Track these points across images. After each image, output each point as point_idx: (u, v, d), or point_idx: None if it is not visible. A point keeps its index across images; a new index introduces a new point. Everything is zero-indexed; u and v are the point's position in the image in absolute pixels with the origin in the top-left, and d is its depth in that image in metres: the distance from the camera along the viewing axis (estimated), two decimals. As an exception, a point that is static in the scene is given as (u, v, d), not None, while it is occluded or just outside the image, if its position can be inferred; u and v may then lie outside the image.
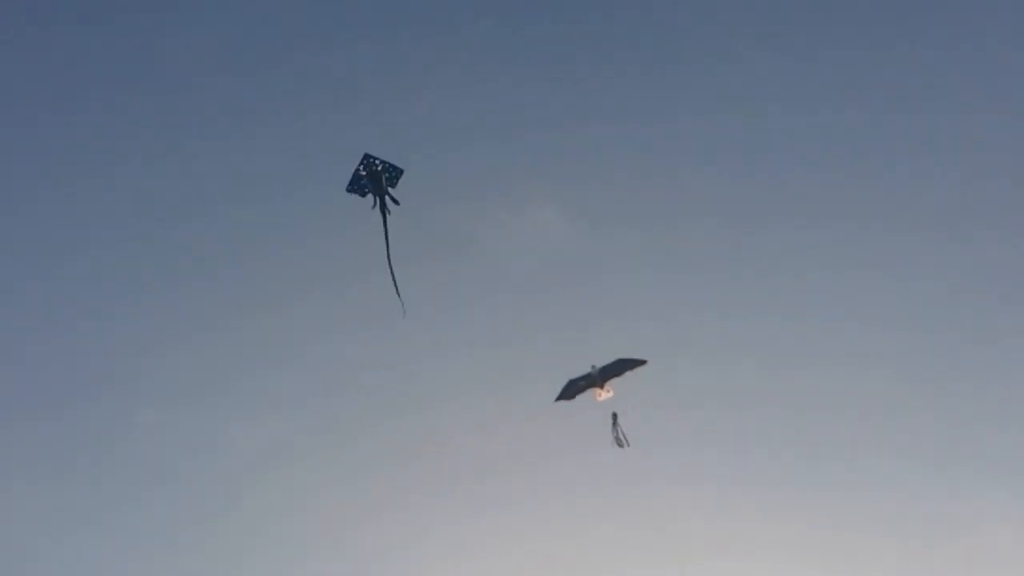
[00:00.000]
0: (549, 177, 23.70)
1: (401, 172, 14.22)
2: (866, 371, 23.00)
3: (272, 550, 21.58)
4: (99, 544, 21.41)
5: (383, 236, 14.02)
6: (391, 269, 14.01)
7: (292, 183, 23.40)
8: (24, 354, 22.71)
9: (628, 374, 16.31)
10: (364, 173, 14.15)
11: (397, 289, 13.99)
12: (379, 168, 14.15)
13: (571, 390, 16.46)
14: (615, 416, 16.43)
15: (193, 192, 23.65)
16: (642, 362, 16.24)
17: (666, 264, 23.40)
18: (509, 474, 22.03)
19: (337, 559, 21.62)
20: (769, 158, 24.42)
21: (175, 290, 23.14)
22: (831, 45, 24.73)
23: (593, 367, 16.32)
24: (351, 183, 14.24)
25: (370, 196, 14.14)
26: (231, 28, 24.56)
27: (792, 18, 25.09)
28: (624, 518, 21.41)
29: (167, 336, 22.78)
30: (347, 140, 23.99)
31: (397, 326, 19.56)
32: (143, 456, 22.08)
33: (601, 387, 16.41)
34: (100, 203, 23.71)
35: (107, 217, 23.73)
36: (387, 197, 14.12)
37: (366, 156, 14.16)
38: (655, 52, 24.85)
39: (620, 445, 16.31)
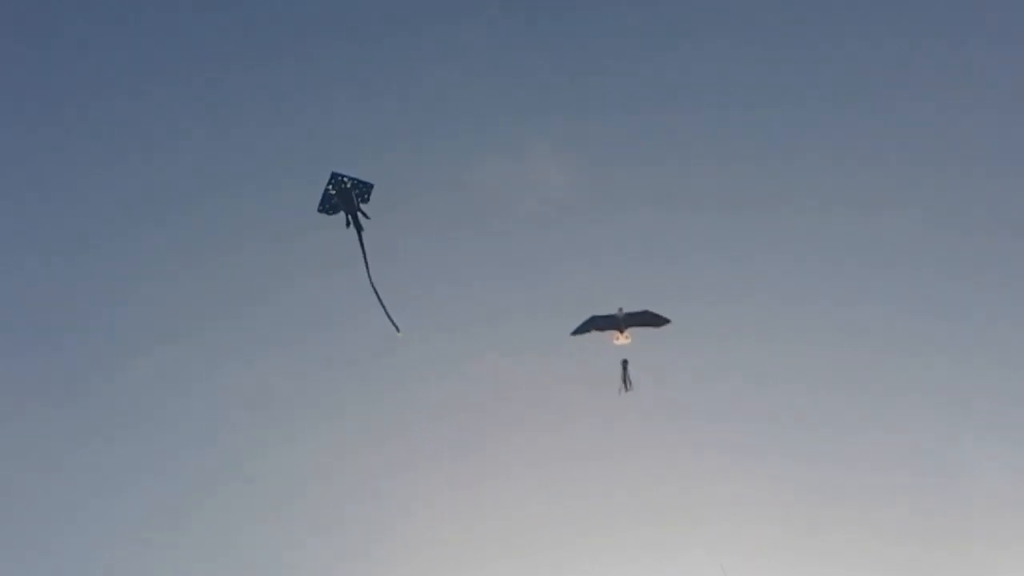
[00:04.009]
0: (546, 119, 23.16)
1: (371, 187, 13.98)
2: (877, 305, 22.97)
3: (265, 491, 21.94)
4: (90, 486, 21.66)
5: (361, 256, 13.90)
6: (374, 289, 13.92)
7: (285, 128, 22.93)
8: (13, 299, 22.59)
9: (650, 329, 16.26)
10: (333, 192, 13.97)
11: (386, 310, 13.93)
12: (348, 185, 13.94)
13: (590, 326, 16.39)
14: (625, 363, 16.54)
15: (183, 140, 23.11)
16: (666, 321, 16.20)
17: (667, 206, 23.04)
18: (499, 412, 22.38)
19: (330, 498, 22.09)
20: (776, 92, 23.63)
21: (165, 231, 22.83)
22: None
23: (620, 310, 16.25)
24: (322, 203, 14.04)
25: (342, 214, 13.99)
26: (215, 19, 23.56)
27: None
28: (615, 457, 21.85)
29: (159, 274, 22.65)
30: (351, 67, 23.58)
31: (396, 270, 19.73)
32: (134, 396, 22.30)
33: (621, 332, 16.42)
34: (93, 149, 23.11)
35: (103, 160, 23.17)
36: (359, 213, 14.00)
37: (334, 175, 13.95)
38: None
39: (626, 390, 16.49)
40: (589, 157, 22.75)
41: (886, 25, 23.22)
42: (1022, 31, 22.87)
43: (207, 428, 22.12)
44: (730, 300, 21.97)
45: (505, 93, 23.23)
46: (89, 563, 21.03)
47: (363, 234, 14.04)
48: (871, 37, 23.30)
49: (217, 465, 22.06)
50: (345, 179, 14.01)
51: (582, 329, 16.41)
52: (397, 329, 14.14)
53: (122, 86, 23.34)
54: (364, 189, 14.06)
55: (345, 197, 14.00)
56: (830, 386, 21.87)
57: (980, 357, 21.90)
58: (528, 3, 23.81)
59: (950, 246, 22.41)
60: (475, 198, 22.45)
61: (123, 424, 22.05)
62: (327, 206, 14.09)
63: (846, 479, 21.38)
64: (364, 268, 13.99)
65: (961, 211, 22.50)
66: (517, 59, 23.58)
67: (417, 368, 21.85)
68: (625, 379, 16.51)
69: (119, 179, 23.01)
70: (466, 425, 21.97)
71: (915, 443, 21.55)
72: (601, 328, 16.37)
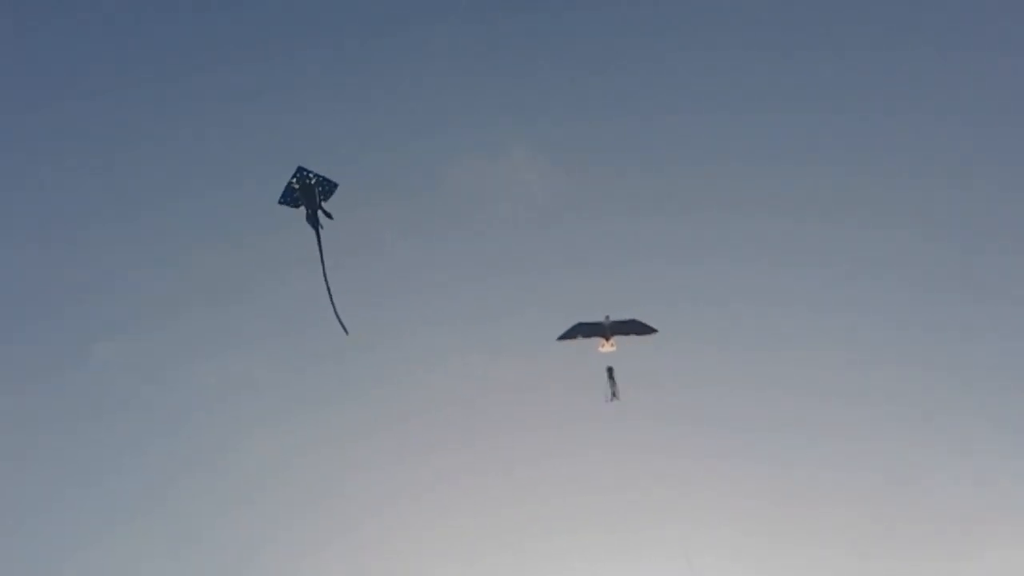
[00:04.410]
0: (525, 121, 23.10)
1: (335, 187, 13.85)
2: (854, 315, 22.71)
3: (230, 483, 21.80)
4: (53, 477, 21.48)
5: (318, 252, 13.77)
6: (328, 288, 13.79)
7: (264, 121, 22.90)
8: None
9: (635, 337, 16.47)
10: (297, 186, 13.81)
11: (336, 310, 13.82)
12: (312, 182, 13.81)
13: (576, 332, 16.50)
14: (610, 370, 16.62)
15: (155, 133, 23.10)
16: (653, 330, 16.39)
17: (644, 208, 22.93)
18: (474, 412, 22.24)
19: (298, 490, 21.96)
20: (759, 96, 23.41)
21: (136, 221, 22.79)
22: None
23: (606, 318, 16.39)
24: (283, 195, 13.91)
25: (303, 209, 13.84)
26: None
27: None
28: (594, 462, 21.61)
29: (126, 267, 22.59)
30: (330, 68, 23.69)
31: (370, 265, 19.28)
32: (99, 389, 22.15)
33: (607, 339, 16.52)
34: (74, 143, 23.21)
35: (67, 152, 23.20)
36: (320, 211, 13.84)
37: (299, 169, 13.82)
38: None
39: (612, 398, 16.62)
40: (568, 159, 22.82)
41: (878, 34, 23.15)
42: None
43: (186, 418, 22.01)
44: (706, 304, 21.84)
45: (484, 95, 23.38)
46: (64, 552, 20.93)
47: (321, 231, 13.87)
48: (860, 45, 23.21)
49: (195, 455, 22.00)
50: (310, 175, 13.86)
51: (568, 335, 16.49)
52: (345, 331, 14.03)
53: (97, 85, 23.45)
54: (328, 187, 13.90)
55: (308, 192, 13.85)
56: (802, 393, 21.71)
57: (949, 373, 21.80)
58: (507, 8, 23.85)
59: (933, 260, 22.32)
60: (453, 198, 22.49)
61: (98, 414, 22.00)
62: (288, 199, 13.95)
63: (813, 484, 21.30)
64: (320, 264, 13.87)
65: (949, 224, 22.39)
66: (496, 62, 23.72)
67: (396, 365, 21.90)
68: (612, 388, 16.59)
69: (105, 172, 23.16)
70: (440, 424, 21.82)
71: (882, 451, 21.35)
72: (587, 335, 16.47)
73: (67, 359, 22.06)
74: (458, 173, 22.74)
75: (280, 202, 13.93)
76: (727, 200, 22.41)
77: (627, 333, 16.44)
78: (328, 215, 13.94)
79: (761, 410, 21.64)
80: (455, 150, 22.84)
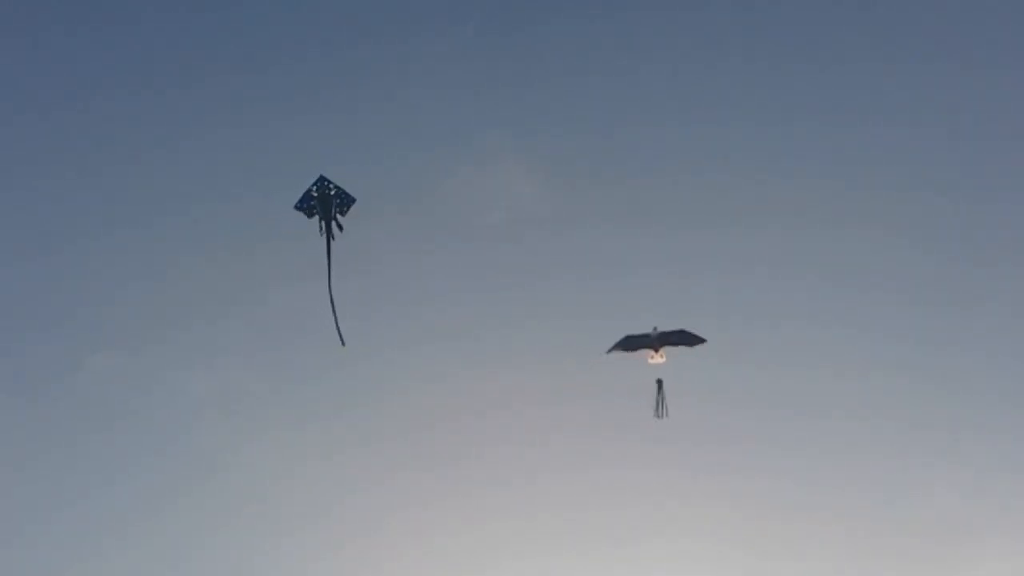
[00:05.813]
0: (515, 132, 23.06)
1: (353, 201, 13.92)
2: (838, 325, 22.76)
3: (225, 495, 21.66)
4: (45, 490, 21.43)
5: (326, 262, 13.87)
6: (332, 300, 13.91)
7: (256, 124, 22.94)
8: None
9: (684, 348, 16.13)
10: (315, 194, 13.90)
11: (337, 321, 13.94)
12: (332, 192, 13.89)
13: (626, 344, 16.22)
14: (660, 383, 16.36)
15: (148, 143, 23.12)
16: (702, 340, 16.10)
17: (640, 218, 22.99)
18: (463, 425, 22.27)
19: (291, 504, 21.92)
20: (750, 105, 23.35)
21: (130, 231, 22.72)
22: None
23: (655, 329, 16.12)
24: (300, 201, 13.97)
25: (316, 219, 13.94)
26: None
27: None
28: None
29: (121, 278, 22.47)
30: (323, 80, 23.58)
31: (363, 277, 19.53)
32: (92, 401, 22.03)
33: (656, 351, 16.29)
34: (58, 152, 23.10)
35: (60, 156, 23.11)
36: (334, 223, 13.95)
37: (321, 178, 13.92)
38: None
39: (659, 415, 16.36)
40: (563, 169, 22.58)
41: (871, 44, 22.88)
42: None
43: (181, 430, 21.89)
44: (702, 316, 21.42)
45: (474, 105, 23.06)
46: (56, 563, 20.79)
47: (332, 244, 13.97)
48: (852, 53, 22.88)
49: (190, 467, 21.89)
50: (331, 185, 13.93)
51: (618, 347, 16.27)
52: (342, 342, 14.12)
53: (90, 96, 23.37)
54: (346, 201, 13.97)
55: (325, 202, 13.91)
56: (793, 406, 21.48)
57: (942, 384, 21.57)
58: (500, 18, 23.57)
59: (927, 271, 22.07)
60: (446, 209, 22.36)
61: (92, 426, 21.94)
62: (304, 206, 14.00)
63: (805, 497, 21.06)
64: (327, 274, 13.96)
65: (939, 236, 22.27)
66: (488, 72, 23.36)
67: (391, 376, 21.73)
68: (659, 402, 16.36)
69: (98, 182, 23.05)
70: (435, 436, 21.73)
71: (875, 464, 21.11)
72: (635, 347, 16.25)
73: (60, 371, 22.01)
74: (450, 184, 22.78)
75: (296, 207, 14.00)
76: (725, 211, 22.38)
77: (676, 344, 16.15)
78: (340, 227, 14.03)
79: (752, 423, 21.67)
80: (447, 161, 22.82)
